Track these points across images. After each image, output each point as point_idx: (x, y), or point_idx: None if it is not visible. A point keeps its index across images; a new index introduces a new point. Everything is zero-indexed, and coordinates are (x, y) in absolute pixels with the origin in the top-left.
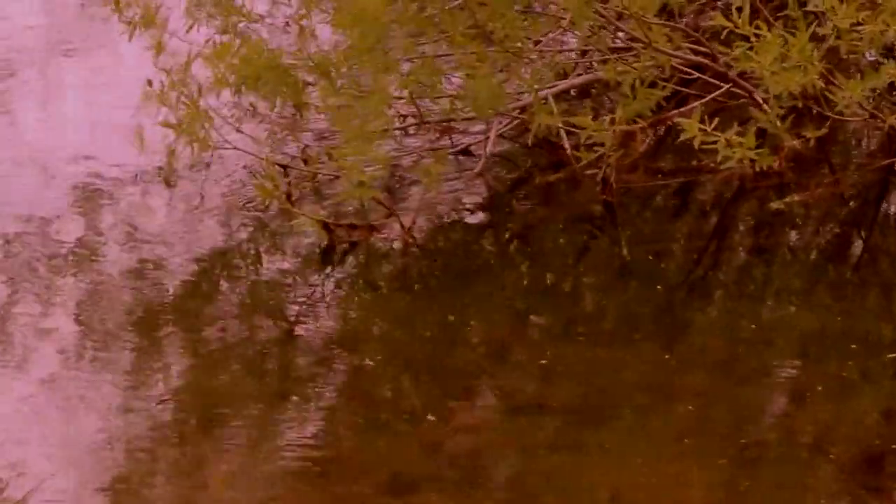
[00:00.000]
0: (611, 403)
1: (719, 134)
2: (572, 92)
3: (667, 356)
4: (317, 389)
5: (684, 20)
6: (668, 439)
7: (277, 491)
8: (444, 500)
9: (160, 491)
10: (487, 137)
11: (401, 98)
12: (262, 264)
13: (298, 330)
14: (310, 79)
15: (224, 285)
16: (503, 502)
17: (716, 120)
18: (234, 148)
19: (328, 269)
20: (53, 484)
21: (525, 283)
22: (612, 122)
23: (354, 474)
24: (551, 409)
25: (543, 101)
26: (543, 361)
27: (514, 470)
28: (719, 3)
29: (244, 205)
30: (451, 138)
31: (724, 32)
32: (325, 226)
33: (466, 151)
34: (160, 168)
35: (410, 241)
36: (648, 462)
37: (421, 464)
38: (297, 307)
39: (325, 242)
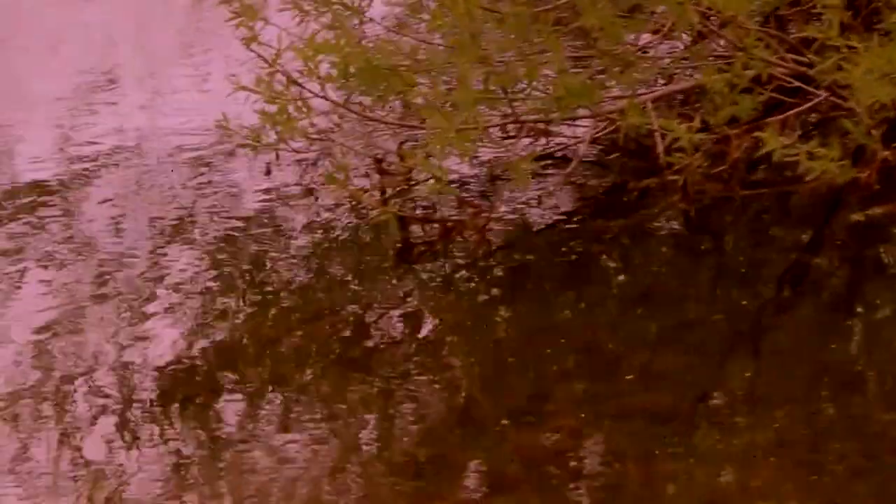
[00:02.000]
0: (705, 410)
1: (801, 146)
2: (677, 98)
3: (761, 364)
4: (406, 388)
5: (785, 29)
6: (763, 447)
7: (373, 488)
8: (539, 502)
9: (255, 484)
10: (581, 141)
11: (494, 98)
12: (339, 260)
13: (383, 327)
14: (410, 76)
15: (302, 279)
16: None
17: (810, 131)
18: (329, 140)
19: (406, 267)
20: None
21: (612, 288)
22: (704, 128)
23: (449, 472)
24: (645, 413)
25: (642, 107)
26: (636, 367)
27: (608, 473)
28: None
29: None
30: (545, 140)
31: (819, 43)
32: (402, 221)
33: (560, 155)
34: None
35: (488, 240)
36: (743, 470)
37: (516, 464)
38: (378, 306)
39: (401, 239)
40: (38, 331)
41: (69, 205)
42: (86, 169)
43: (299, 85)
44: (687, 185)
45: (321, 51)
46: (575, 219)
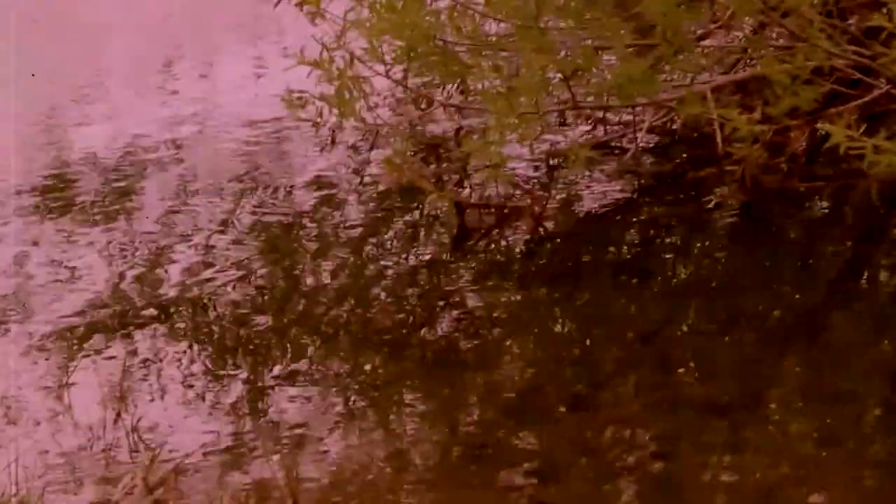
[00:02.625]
0: (761, 402)
1: (867, 139)
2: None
3: (818, 358)
4: (463, 375)
5: (848, 21)
6: (820, 440)
7: (430, 475)
8: (593, 491)
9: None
10: (639, 129)
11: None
12: (395, 245)
13: (439, 315)
14: (470, 60)
15: (357, 264)
16: (651, 496)
17: (877, 124)
18: (386, 125)
19: (462, 253)
20: None
21: (669, 278)
22: (764, 118)
23: (505, 461)
24: (700, 405)
25: (701, 96)
26: (691, 358)
27: (662, 464)
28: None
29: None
30: (604, 128)
31: (885, 34)
32: (458, 207)
33: (617, 142)
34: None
35: (544, 227)
36: (797, 463)
37: (570, 454)
38: (433, 292)
39: (457, 225)
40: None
41: (127, 186)
42: (146, 149)
43: (362, 63)
44: (745, 175)
45: (384, 31)
46: (631, 207)
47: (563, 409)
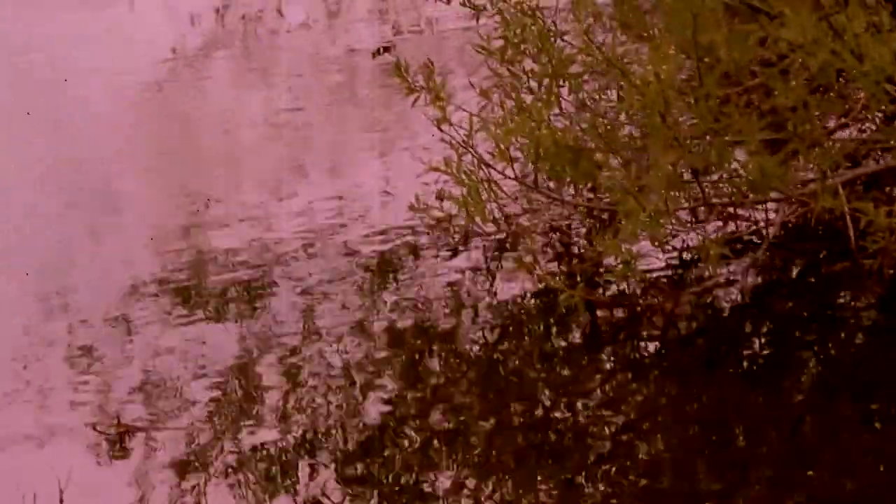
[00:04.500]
0: None
1: None
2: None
3: None
4: (595, 473)
5: None
6: None
7: None
8: None
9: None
10: (771, 224)
11: (686, 181)
12: (526, 344)
13: (571, 413)
14: (600, 157)
15: (489, 363)
16: None
17: None
18: (517, 223)
19: (594, 351)
20: None
21: (805, 374)
22: None
23: None
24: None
25: (834, 191)
26: (829, 455)
27: None
28: None
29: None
30: (735, 223)
31: None
32: (590, 305)
33: (749, 237)
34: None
35: (676, 324)
36: None
37: None
38: (565, 390)
39: (588, 323)
40: None
41: (259, 286)
42: (278, 250)
43: (489, 166)
44: (882, 269)
45: (512, 133)
46: (764, 303)
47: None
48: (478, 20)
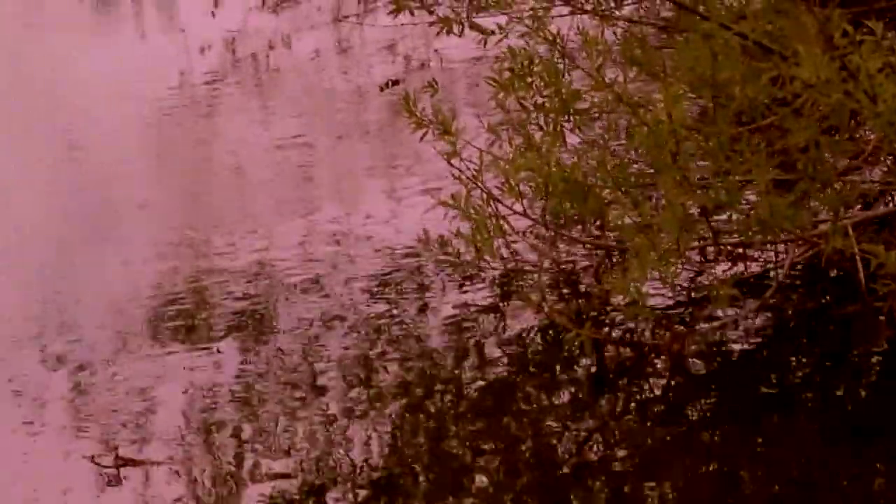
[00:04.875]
0: None
1: None
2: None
3: None
4: None
5: None
6: None
7: None
8: None
9: None
10: (782, 265)
11: (696, 220)
12: (532, 382)
13: (577, 453)
14: (608, 195)
15: (493, 400)
16: None
17: None
18: (525, 259)
19: (601, 390)
20: None
21: (812, 419)
22: None
23: None
24: None
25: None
26: (846, 499)
27: None
28: None
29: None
30: (745, 264)
31: None
32: (597, 343)
33: (759, 278)
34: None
35: (685, 364)
36: None
37: None
38: (572, 430)
39: (595, 362)
40: None
41: (263, 327)
42: (283, 284)
43: (498, 201)
44: (893, 312)
45: (522, 169)
46: (774, 344)
47: None
48: (485, 44)
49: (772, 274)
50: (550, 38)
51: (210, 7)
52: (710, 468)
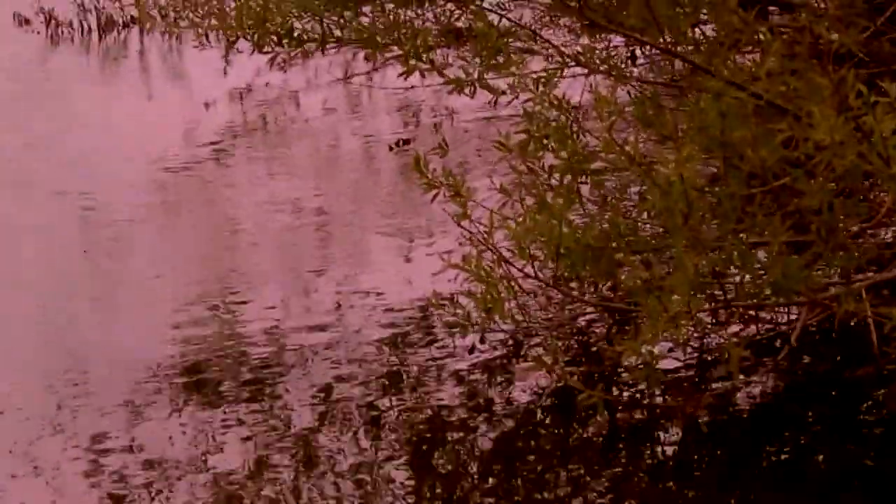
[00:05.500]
0: None
1: None
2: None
3: None
4: None
5: None
6: None
7: None
8: None
9: None
10: (793, 326)
11: (707, 281)
12: (544, 443)
13: None
14: (620, 256)
15: (506, 462)
16: None
17: None
18: (536, 321)
19: (614, 452)
20: None
21: (823, 482)
22: None
23: None
24: None
25: (857, 297)
26: None
27: None
28: None
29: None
30: (757, 326)
31: None
32: (609, 406)
33: (771, 339)
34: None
35: (697, 426)
36: None
37: None
38: (585, 492)
39: (607, 423)
40: None
41: (273, 377)
42: (293, 345)
43: (509, 263)
44: None
45: (533, 231)
46: (786, 407)
47: None
48: (495, 103)
49: (785, 336)
50: (556, 102)
51: (219, 63)
52: None
